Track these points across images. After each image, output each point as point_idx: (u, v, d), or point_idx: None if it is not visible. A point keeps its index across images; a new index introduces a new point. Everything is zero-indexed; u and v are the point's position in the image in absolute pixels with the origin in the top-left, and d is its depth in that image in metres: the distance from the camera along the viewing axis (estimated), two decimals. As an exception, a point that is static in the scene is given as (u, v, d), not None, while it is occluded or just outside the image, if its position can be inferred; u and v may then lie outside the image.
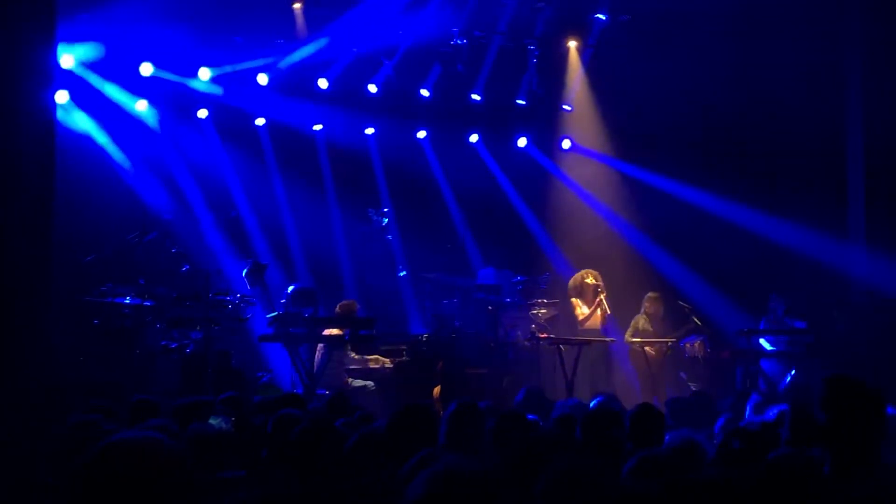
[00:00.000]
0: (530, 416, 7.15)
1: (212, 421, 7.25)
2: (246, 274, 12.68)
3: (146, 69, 13.59)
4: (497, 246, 15.76)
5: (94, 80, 13.41)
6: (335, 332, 11.82)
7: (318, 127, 15.34)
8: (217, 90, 14.30)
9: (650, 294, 14.28)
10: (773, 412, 6.11)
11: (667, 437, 6.04)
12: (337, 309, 12.59)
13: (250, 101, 14.67)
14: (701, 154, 15.59)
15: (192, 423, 6.18)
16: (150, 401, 7.55)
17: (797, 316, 13.63)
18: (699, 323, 13.92)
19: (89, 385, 9.95)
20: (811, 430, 5.01)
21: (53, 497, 4.79)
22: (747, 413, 7.10)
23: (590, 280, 13.68)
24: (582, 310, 13.67)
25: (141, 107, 13.87)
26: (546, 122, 16.42)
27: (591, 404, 7.31)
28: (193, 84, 14.14)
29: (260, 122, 15.06)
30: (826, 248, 14.75)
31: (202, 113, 14.60)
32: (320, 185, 15.61)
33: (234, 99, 14.48)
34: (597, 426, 5.79)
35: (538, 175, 16.64)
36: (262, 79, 14.27)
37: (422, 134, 16.00)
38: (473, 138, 16.37)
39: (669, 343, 13.81)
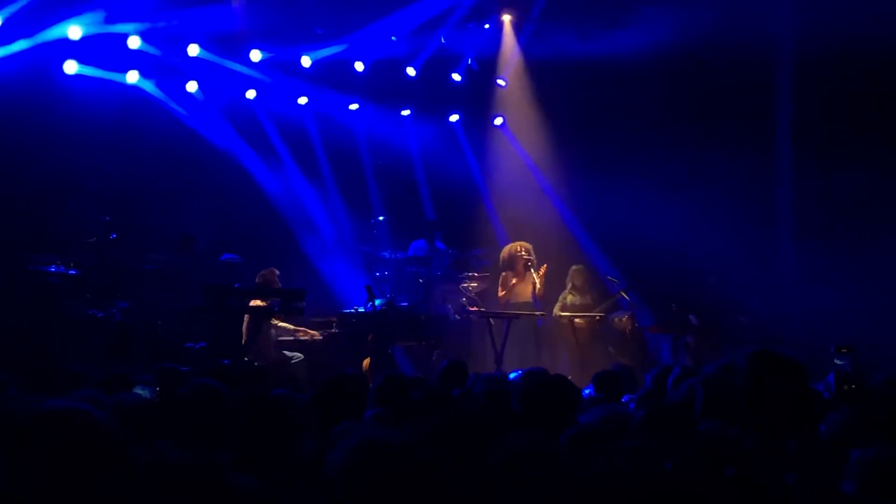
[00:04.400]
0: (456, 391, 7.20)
1: (137, 391, 7.17)
2: (176, 246, 12.55)
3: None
4: (429, 219, 15.73)
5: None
6: (261, 303, 11.74)
7: (251, 93, 15.14)
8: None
9: (574, 267, 14.34)
10: (686, 386, 6.17)
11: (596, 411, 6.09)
12: (257, 279, 12.49)
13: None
14: (634, 131, 15.66)
15: (117, 394, 6.09)
16: (73, 370, 7.44)
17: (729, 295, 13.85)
18: (627, 297, 14.04)
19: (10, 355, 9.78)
20: (726, 405, 5.05)
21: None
22: (668, 387, 7.16)
23: (521, 253, 13.70)
24: (510, 284, 13.69)
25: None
26: (480, 99, 16.39)
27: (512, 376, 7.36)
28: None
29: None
30: (754, 227, 14.99)
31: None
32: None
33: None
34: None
35: (470, 151, 16.62)
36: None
37: (354, 106, 15.88)
38: (405, 113, 16.30)
39: (598, 317, 13.94)
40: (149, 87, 14.02)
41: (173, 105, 14.30)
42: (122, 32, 13.42)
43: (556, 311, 14.02)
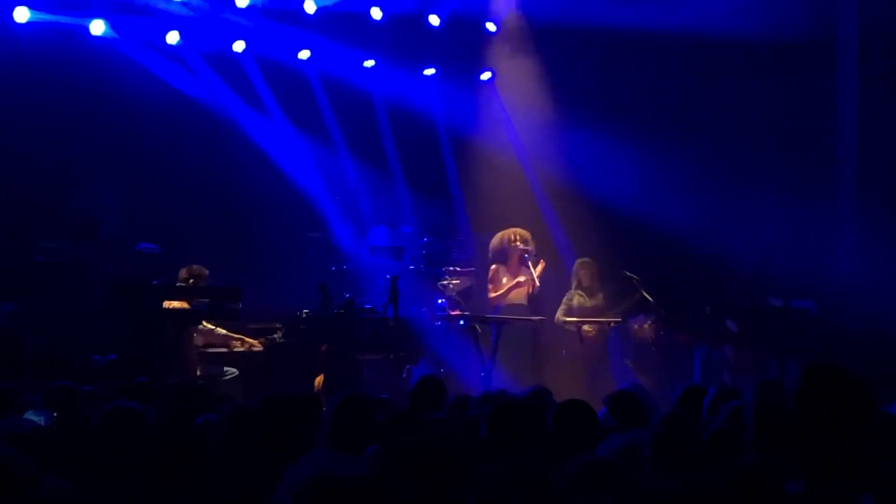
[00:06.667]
0: (440, 414, 7.23)
1: (30, 416, 7.16)
2: (77, 231, 12.54)
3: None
4: (394, 198, 15.72)
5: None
6: (181, 304, 11.71)
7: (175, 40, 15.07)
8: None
9: (581, 260, 14.29)
10: (729, 409, 6.20)
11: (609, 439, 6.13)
12: (183, 273, 12.43)
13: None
14: (654, 98, 15.68)
15: (2, 419, 6.08)
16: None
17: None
18: (649, 298, 14.03)
19: None
20: (778, 433, 5.06)
21: None
22: (704, 411, 7.19)
23: (516, 242, 13.68)
24: (501, 280, 13.68)
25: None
26: (463, 48, 16.35)
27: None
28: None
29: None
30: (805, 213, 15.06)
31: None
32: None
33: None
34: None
35: (448, 112, 16.58)
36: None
37: (305, 54, 15.80)
38: (368, 64, 16.23)
39: (612, 323, 13.94)
40: (38, 15, 13.93)
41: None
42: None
43: (560, 315, 13.99)
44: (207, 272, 12.46)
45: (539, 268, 13.54)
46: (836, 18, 15.18)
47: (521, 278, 13.57)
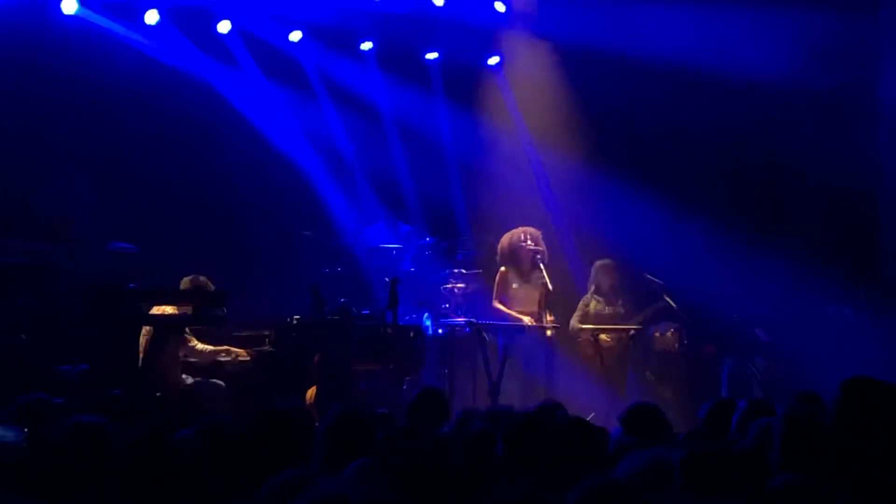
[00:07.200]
0: (443, 430, 7.21)
1: (-2, 432, 7.14)
2: (45, 230, 12.55)
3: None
4: (393, 196, 15.71)
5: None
6: (169, 310, 11.69)
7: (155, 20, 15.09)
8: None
9: (600, 262, 14.31)
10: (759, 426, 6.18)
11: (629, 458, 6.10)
12: (185, 284, 12.39)
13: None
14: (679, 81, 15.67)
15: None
16: None
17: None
18: (673, 304, 14.00)
19: None
20: (816, 449, 5.05)
21: None
22: (732, 428, 7.18)
23: (528, 243, 13.65)
24: (510, 285, 13.68)
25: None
26: (469, 31, 16.32)
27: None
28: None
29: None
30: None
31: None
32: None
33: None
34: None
35: (452, 99, 16.56)
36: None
37: (296, 35, 15.79)
38: (366, 46, 16.23)
39: (632, 331, 13.92)
40: None
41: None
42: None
43: (576, 322, 13.99)
44: (214, 287, 12.36)
45: (550, 331, 13.49)
46: (878, 67, 15.31)
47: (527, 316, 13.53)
